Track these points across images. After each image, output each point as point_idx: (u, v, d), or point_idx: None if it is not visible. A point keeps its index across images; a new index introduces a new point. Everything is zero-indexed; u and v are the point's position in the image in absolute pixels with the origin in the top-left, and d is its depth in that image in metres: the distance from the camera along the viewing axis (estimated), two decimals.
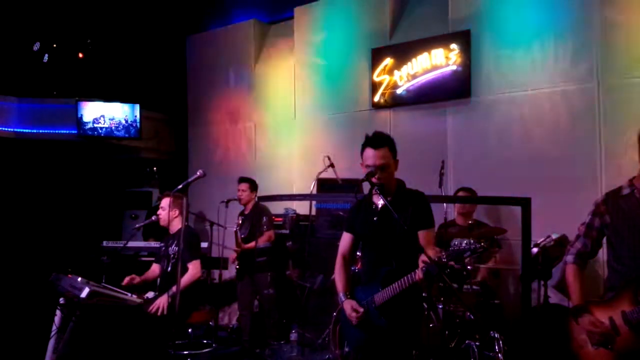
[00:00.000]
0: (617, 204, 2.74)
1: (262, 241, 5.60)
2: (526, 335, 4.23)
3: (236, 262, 5.70)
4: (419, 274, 2.61)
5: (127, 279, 4.66)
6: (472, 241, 2.58)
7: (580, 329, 2.71)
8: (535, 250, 4.43)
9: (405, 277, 2.68)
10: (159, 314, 4.37)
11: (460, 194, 5.25)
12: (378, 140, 2.90)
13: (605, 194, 2.83)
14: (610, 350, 2.57)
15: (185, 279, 4.52)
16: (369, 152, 2.88)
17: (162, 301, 4.41)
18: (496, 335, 4.28)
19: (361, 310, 2.83)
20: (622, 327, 2.56)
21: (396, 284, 2.72)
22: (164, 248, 4.89)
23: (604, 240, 2.87)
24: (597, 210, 2.83)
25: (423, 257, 2.68)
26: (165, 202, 4.81)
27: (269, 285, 5.80)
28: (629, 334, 2.55)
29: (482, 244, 2.56)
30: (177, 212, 4.79)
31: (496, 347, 4.24)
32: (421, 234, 2.82)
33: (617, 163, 4.79)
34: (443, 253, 2.57)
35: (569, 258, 2.92)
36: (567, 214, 4.97)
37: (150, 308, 4.38)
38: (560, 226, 4.78)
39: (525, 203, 3.77)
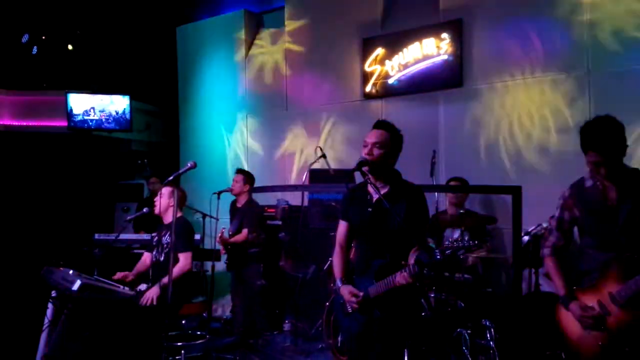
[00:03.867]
0: (583, 196, 2.86)
1: (240, 238, 5.55)
2: (517, 323, 4.26)
3: (225, 254, 5.66)
4: (400, 279, 2.64)
5: (119, 275, 4.65)
6: (465, 239, 2.58)
7: (570, 317, 2.80)
8: (526, 238, 4.45)
9: (394, 277, 2.68)
10: (148, 304, 4.38)
11: (452, 184, 5.26)
12: (381, 123, 2.96)
13: (570, 187, 2.94)
14: (603, 332, 2.66)
15: (174, 271, 4.52)
16: (369, 132, 2.93)
17: (153, 293, 4.40)
18: (488, 323, 4.31)
19: (361, 294, 2.83)
20: (612, 307, 2.66)
21: (386, 280, 2.72)
22: (156, 238, 4.89)
23: (575, 230, 2.98)
24: (565, 204, 2.94)
25: (412, 254, 2.69)
26: (167, 190, 4.81)
27: (261, 276, 5.80)
28: (619, 312, 2.64)
29: (476, 241, 2.57)
30: (173, 201, 4.80)
31: (488, 335, 4.28)
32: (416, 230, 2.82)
33: None
34: (437, 251, 2.57)
35: (546, 251, 3.03)
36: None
37: (142, 301, 4.38)
38: (551, 214, 4.81)
39: (516, 191, 3.79)
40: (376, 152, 2.85)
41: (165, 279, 4.24)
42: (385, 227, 2.84)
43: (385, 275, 2.75)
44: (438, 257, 2.56)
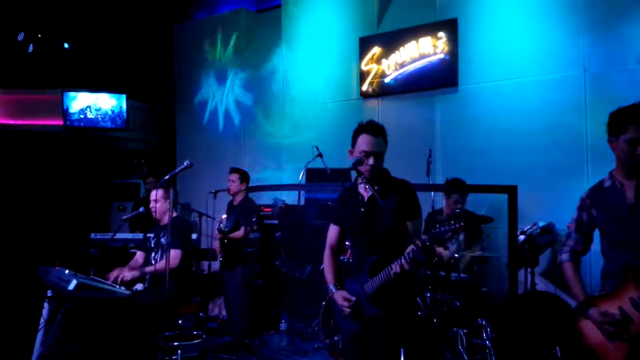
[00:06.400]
0: (601, 197, 2.75)
1: (238, 234, 5.53)
2: (513, 322, 4.27)
3: (220, 252, 5.64)
4: (396, 267, 2.63)
5: (115, 273, 4.61)
6: (452, 222, 2.57)
7: (590, 325, 2.62)
8: (521, 237, 4.46)
9: (390, 267, 2.68)
10: (118, 281, 4.42)
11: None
12: (376, 128, 2.88)
13: (589, 189, 2.84)
14: (627, 341, 2.49)
15: (160, 265, 4.56)
16: (366, 138, 2.83)
17: (123, 272, 4.50)
18: (484, 323, 4.32)
19: (353, 299, 2.84)
20: (634, 314, 2.50)
21: (383, 273, 2.73)
22: (154, 239, 4.87)
23: (595, 233, 2.84)
24: (583, 204, 2.82)
25: (408, 250, 2.69)
26: (160, 193, 4.79)
27: (258, 275, 5.79)
28: None
29: (461, 223, 2.55)
30: (168, 203, 4.79)
31: (484, 335, 4.29)
32: (408, 225, 2.80)
33: (603, 151, 4.79)
34: (425, 236, 2.59)
35: (564, 257, 2.88)
36: (553, 201, 5.03)
37: (110, 275, 4.45)
38: (547, 214, 4.83)
39: (511, 191, 3.79)
40: (378, 163, 2.84)
41: (150, 268, 4.61)
42: (378, 224, 2.84)
43: (379, 270, 2.75)
44: (427, 243, 2.56)
